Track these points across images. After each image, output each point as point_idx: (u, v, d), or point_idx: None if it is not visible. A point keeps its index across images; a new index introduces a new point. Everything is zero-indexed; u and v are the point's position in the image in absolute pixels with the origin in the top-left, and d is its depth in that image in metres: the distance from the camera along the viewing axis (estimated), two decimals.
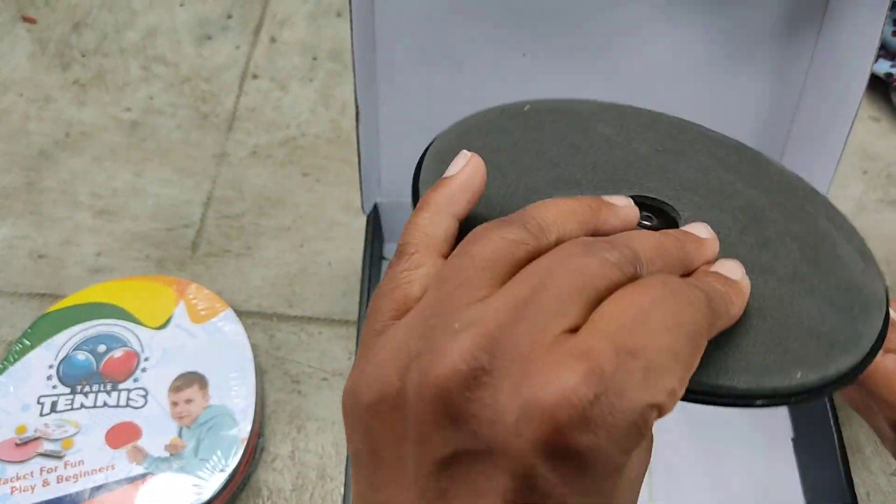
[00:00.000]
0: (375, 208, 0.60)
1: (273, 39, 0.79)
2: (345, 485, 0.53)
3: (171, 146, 0.72)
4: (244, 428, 0.54)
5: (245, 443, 0.54)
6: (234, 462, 0.53)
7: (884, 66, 0.74)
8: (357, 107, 0.50)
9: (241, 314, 0.62)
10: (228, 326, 0.59)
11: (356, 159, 0.53)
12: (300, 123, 0.74)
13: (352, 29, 0.46)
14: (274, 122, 0.74)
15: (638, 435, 0.23)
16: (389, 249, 0.64)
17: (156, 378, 0.56)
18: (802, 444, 0.55)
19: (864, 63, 0.48)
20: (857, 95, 0.50)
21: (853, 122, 0.51)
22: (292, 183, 0.70)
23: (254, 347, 0.59)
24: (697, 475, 0.54)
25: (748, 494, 0.53)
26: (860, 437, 0.56)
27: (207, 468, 0.53)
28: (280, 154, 0.72)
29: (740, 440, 0.55)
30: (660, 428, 0.55)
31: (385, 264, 0.63)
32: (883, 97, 0.76)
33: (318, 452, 0.56)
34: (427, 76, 0.52)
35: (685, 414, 0.56)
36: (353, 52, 0.47)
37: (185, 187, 0.70)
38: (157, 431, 0.54)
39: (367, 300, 0.55)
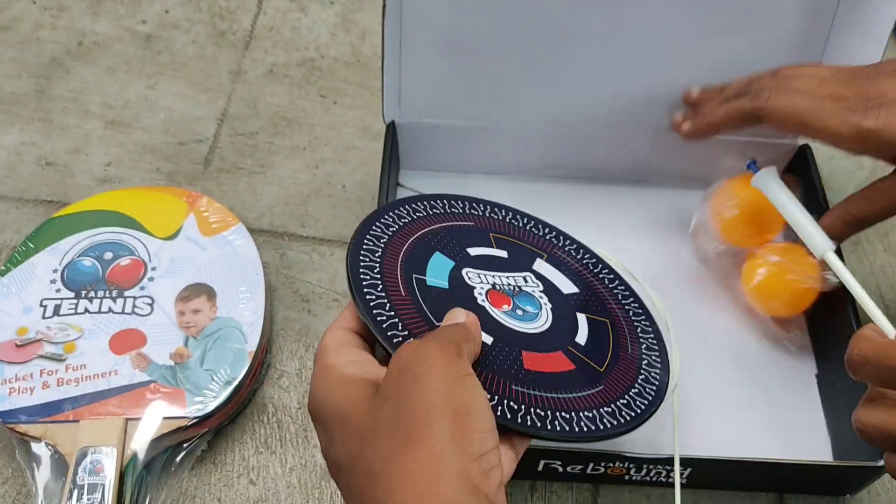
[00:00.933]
0: (394, 129, 0.58)
1: None
2: None
3: (185, 60, 0.70)
4: (251, 342, 0.53)
5: (252, 357, 0.52)
6: (239, 375, 0.52)
7: None
8: (384, 2, 0.48)
9: (252, 231, 0.60)
10: (239, 240, 0.57)
11: (375, 84, 0.52)
12: (319, 45, 0.72)
13: None
14: (292, 42, 0.72)
15: None
16: (405, 176, 0.62)
17: (163, 287, 0.55)
18: (826, 381, 0.54)
19: None
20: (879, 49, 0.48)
21: None
22: (309, 104, 0.68)
23: (264, 265, 0.58)
24: (720, 409, 0.53)
25: (772, 428, 0.53)
26: None
27: (213, 380, 0.51)
28: (297, 74, 0.70)
29: (763, 376, 0.54)
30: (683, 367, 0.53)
31: (400, 191, 0.62)
32: None
33: None
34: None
35: (709, 350, 0.55)
36: None
37: (199, 102, 0.68)
38: (163, 340, 0.53)
39: None
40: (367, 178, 0.63)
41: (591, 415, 0.42)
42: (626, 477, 0.50)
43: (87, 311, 0.54)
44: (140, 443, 0.48)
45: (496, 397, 0.39)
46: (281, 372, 0.55)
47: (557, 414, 0.40)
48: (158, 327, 0.53)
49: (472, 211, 0.52)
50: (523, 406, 0.40)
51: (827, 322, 0.54)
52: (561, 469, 0.49)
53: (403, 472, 0.31)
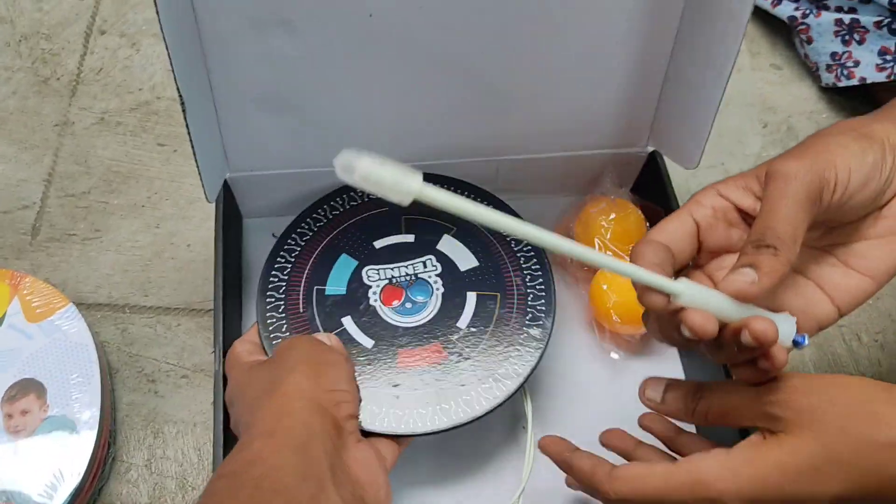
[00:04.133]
0: (227, 186, 0.53)
1: None
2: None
3: (5, 115, 0.64)
4: (89, 438, 0.48)
5: (90, 455, 0.48)
6: (76, 479, 0.47)
7: (787, 9, 0.70)
8: (181, 97, 0.43)
9: (88, 307, 0.56)
10: (69, 324, 0.52)
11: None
12: (154, 85, 0.66)
13: (157, 10, 0.39)
14: (124, 84, 0.66)
15: None
16: (250, 226, 0.58)
17: None
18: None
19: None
20: (736, 37, 0.45)
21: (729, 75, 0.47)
22: (146, 154, 0.63)
23: (103, 345, 0.53)
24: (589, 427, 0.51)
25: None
26: None
27: (47, 487, 0.47)
28: (132, 121, 0.64)
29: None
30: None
31: (246, 243, 0.57)
32: (785, 42, 0.72)
33: (178, 459, 0.51)
34: (260, 43, 0.46)
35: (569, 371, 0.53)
36: (163, 35, 0.40)
37: (23, 163, 0.62)
38: None
39: (224, 288, 0.49)
40: (213, 234, 0.59)
41: (468, 397, 0.47)
42: None
43: None
44: None
45: (375, 407, 0.46)
46: (128, 465, 0.51)
47: (436, 407, 0.46)
48: None
49: None
50: (396, 410, 0.46)
51: None
52: None
53: (268, 402, 0.39)
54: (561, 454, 0.43)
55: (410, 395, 0.46)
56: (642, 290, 0.36)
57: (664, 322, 0.38)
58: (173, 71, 0.42)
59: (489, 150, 0.56)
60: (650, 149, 0.57)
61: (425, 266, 0.51)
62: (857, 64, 0.67)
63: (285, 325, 0.49)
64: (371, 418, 0.45)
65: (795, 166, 0.36)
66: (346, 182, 0.31)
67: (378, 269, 0.51)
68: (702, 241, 0.40)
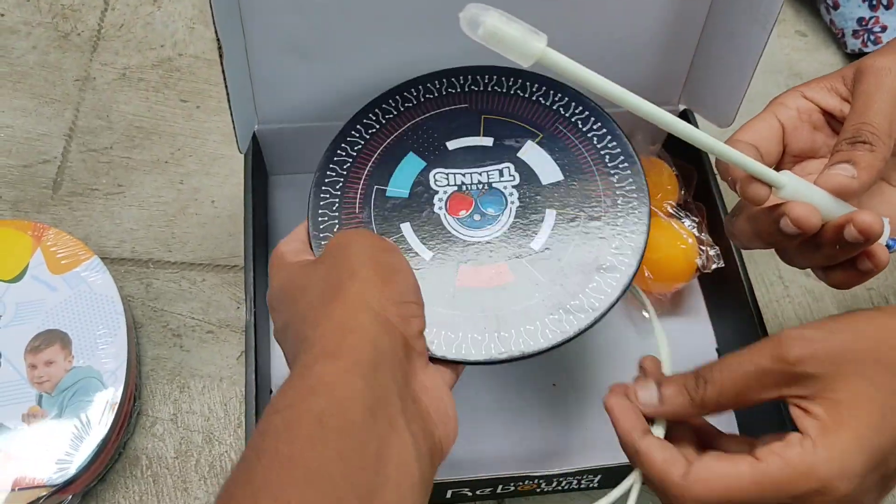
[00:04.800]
0: (255, 139, 0.53)
1: None
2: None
3: (26, 70, 0.63)
4: (115, 391, 0.48)
5: (116, 408, 0.47)
6: (103, 430, 0.47)
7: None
8: (218, 40, 0.42)
9: (112, 261, 0.55)
10: (94, 276, 0.51)
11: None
12: (176, 42, 0.65)
13: None
14: (146, 40, 0.65)
15: None
16: (276, 183, 0.57)
17: (10, 338, 0.49)
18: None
19: None
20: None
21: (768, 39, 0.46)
22: (168, 110, 0.62)
23: (127, 299, 0.53)
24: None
25: None
26: None
27: (73, 439, 0.46)
28: (154, 77, 0.63)
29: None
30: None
31: (272, 199, 0.57)
32: (810, 9, 0.72)
33: (204, 413, 0.51)
34: None
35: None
36: None
37: (44, 117, 0.61)
38: (13, 399, 0.47)
39: (253, 244, 0.48)
40: (238, 189, 0.58)
41: (531, 327, 0.41)
42: (538, 490, 0.48)
43: None
44: None
45: (434, 328, 0.40)
46: (154, 419, 0.50)
47: (494, 335, 0.41)
48: (7, 385, 0.48)
49: (473, 87, 0.48)
50: (449, 333, 0.40)
51: (723, 293, 0.53)
52: (470, 493, 0.47)
53: (328, 313, 0.33)
54: (629, 433, 0.37)
55: (467, 318, 0.41)
56: (746, 181, 0.35)
57: (758, 219, 0.37)
58: (213, 14, 0.41)
59: None
60: (682, 107, 0.56)
61: (501, 175, 0.46)
62: (884, 29, 0.66)
63: (337, 226, 0.44)
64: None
65: (890, 61, 0.35)
66: (470, 36, 0.29)
67: (448, 174, 0.46)
68: (786, 144, 0.39)
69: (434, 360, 0.38)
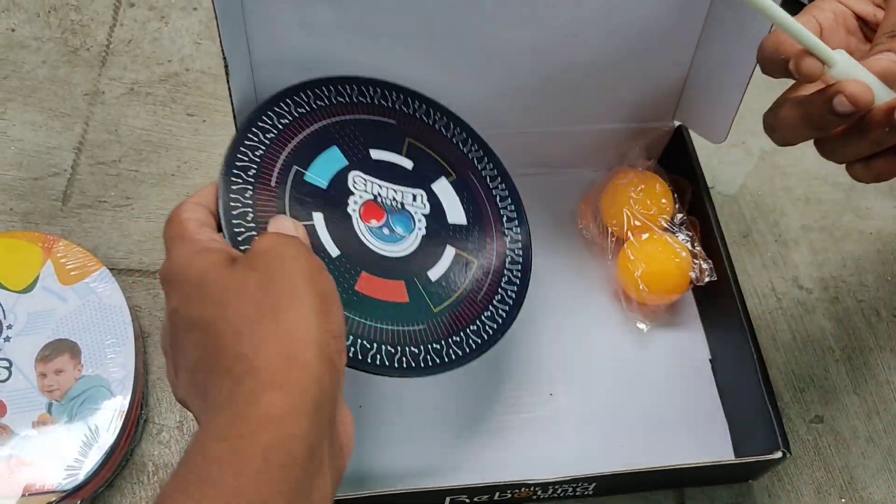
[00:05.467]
0: None
1: None
2: None
3: (36, 84, 0.64)
4: (123, 399, 0.49)
5: (124, 416, 0.49)
6: (111, 437, 0.48)
7: None
8: (225, 59, 0.44)
9: (120, 272, 0.56)
10: (103, 287, 0.53)
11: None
12: (183, 58, 0.67)
13: None
14: (153, 55, 0.66)
15: None
16: None
17: (21, 347, 0.50)
18: (720, 364, 0.54)
19: None
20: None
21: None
22: (175, 124, 0.63)
23: (135, 309, 0.54)
24: (613, 406, 0.53)
25: (671, 423, 0.53)
26: (779, 384, 0.55)
27: (82, 446, 0.48)
28: (161, 92, 0.65)
29: (656, 365, 0.54)
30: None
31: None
32: None
33: None
34: (299, 9, 0.46)
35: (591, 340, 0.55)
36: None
37: (54, 130, 0.62)
38: (24, 407, 0.49)
39: None
40: None
41: (415, 350, 0.42)
42: (534, 497, 0.49)
43: None
44: None
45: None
46: (160, 426, 0.52)
47: (382, 348, 0.41)
48: (18, 393, 0.49)
49: (404, 108, 0.49)
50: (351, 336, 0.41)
51: (717, 305, 0.54)
52: (468, 500, 0.48)
53: (272, 334, 0.32)
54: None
55: (361, 324, 0.41)
56: (800, 55, 0.36)
57: (808, 102, 0.37)
58: (219, 32, 0.42)
59: (516, 124, 0.56)
60: (676, 123, 0.58)
61: (414, 199, 0.47)
62: None
63: (251, 192, 0.41)
64: None
65: None
66: None
67: (366, 180, 0.45)
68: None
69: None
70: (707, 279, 0.52)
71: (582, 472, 0.46)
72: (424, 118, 0.50)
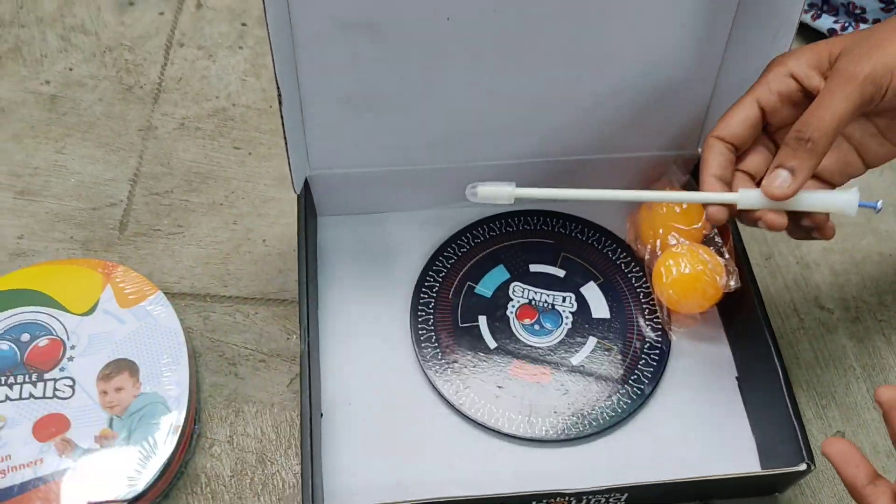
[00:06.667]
0: (306, 183, 0.57)
1: (199, 5, 0.76)
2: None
3: (93, 120, 0.69)
4: (178, 415, 0.52)
5: (180, 430, 0.52)
6: (168, 450, 0.51)
7: (827, 22, 0.73)
8: (279, 89, 0.47)
9: (173, 296, 0.60)
10: (158, 310, 0.56)
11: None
12: (230, 94, 0.71)
13: (265, 6, 0.44)
14: (202, 92, 0.71)
15: None
16: (323, 223, 0.62)
17: (83, 366, 0.54)
18: (746, 382, 0.56)
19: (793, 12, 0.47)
20: (785, 44, 0.49)
21: None
22: (223, 156, 0.67)
23: (187, 330, 0.57)
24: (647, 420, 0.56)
25: (697, 435, 0.55)
26: (802, 400, 0.57)
27: (141, 458, 0.51)
28: (209, 126, 0.69)
29: (685, 382, 0.57)
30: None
31: (320, 238, 0.61)
32: None
33: (257, 436, 0.55)
34: (347, 45, 0.50)
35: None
36: (268, 30, 0.45)
37: (110, 164, 0.66)
38: (87, 422, 0.52)
39: (306, 279, 0.53)
40: (288, 229, 0.63)
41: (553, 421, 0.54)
42: None
43: (7, 398, 0.53)
44: None
45: (477, 398, 0.54)
46: (212, 440, 0.55)
47: (529, 418, 0.54)
48: (81, 409, 0.52)
49: (561, 230, 0.62)
50: (492, 407, 0.54)
51: (743, 323, 0.56)
52: None
53: None
54: (854, 477, 0.39)
55: (510, 399, 0.54)
56: (706, 207, 0.45)
57: (743, 218, 0.46)
58: (274, 67, 0.46)
59: (550, 152, 0.59)
60: (700, 151, 0.60)
61: (564, 301, 0.58)
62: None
63: (433, 304, 0.58)
64: (471, 406, 0.54)
65: (860, 70, 0.40)
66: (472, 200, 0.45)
67: (524, 288, 0.59)
68: (768, 121, 0.45)
69: (475, 423, 0.53)
70: (733, 285, 0.55)
71: (614, 482, 0.48)
72: (579, 236, 0.62)
